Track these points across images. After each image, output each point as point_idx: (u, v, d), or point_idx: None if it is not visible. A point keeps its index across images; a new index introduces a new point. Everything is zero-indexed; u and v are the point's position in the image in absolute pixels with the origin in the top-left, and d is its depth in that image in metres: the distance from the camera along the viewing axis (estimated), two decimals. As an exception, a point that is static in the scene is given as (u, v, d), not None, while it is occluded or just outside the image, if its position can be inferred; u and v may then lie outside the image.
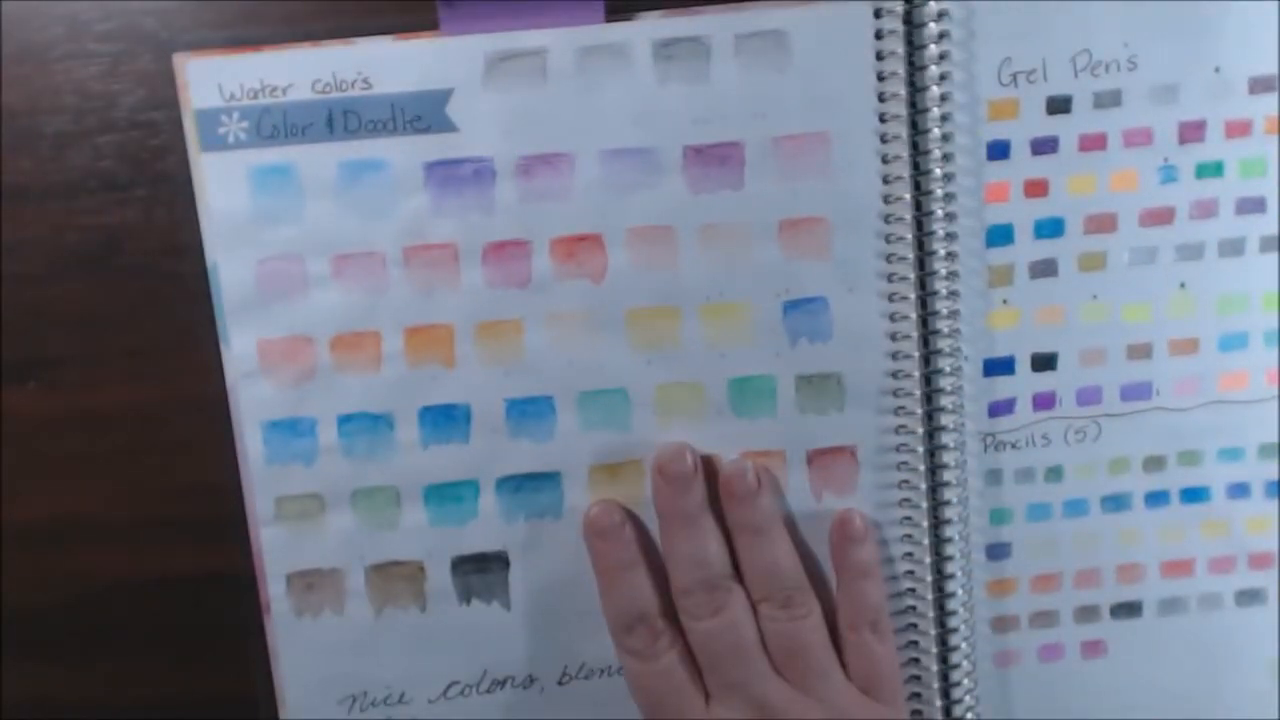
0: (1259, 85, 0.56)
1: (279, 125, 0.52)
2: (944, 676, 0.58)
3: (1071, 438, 0.58)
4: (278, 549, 0.55)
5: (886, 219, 0.55)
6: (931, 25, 0.53)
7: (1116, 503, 0.58)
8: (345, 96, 0.52)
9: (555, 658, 0.57)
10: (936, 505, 0.57)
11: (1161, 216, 0.56)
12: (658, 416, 0.55)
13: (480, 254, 0.54)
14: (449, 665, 0.57)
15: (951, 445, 0.56)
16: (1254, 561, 0.59)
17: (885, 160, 0.54)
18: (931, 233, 0.55)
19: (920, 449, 0.56)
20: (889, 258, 0.55)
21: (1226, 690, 0.60)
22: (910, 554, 0.57)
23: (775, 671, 0.54)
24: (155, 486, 0.56)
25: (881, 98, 0.54)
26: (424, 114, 0.53)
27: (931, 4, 0.53)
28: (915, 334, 0.55)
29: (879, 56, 0.53)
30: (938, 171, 0.54)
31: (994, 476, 0.58)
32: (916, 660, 0.58)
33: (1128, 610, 0.59)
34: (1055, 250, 0.56)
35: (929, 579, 0.57)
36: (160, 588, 0.57)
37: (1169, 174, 0.56)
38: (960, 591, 0.57)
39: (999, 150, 0.55)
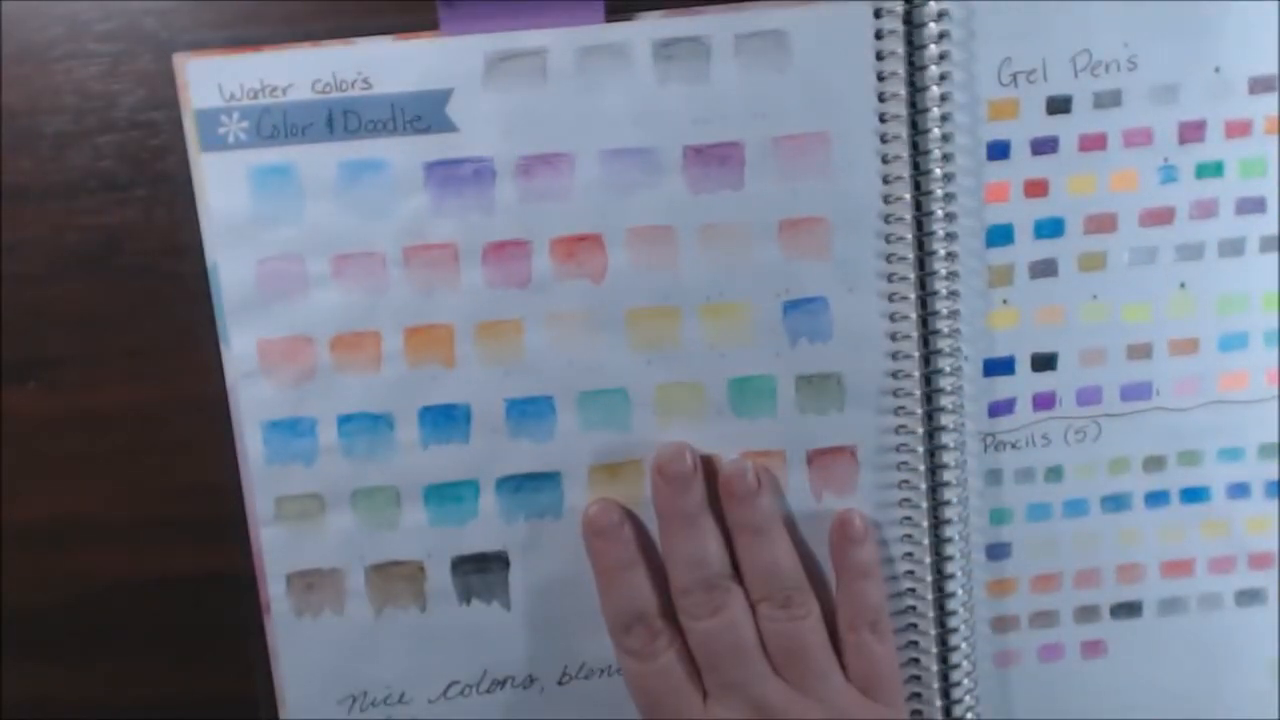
0: (1259, 85, 0.56)
1: (279, 125, 0.52)
2: (944, 676, 0.58)
3: (1071, 438, 0.58)
4: (278, 549, 0.55)
5: (886, 219, 0.55)
6: (931, 25, 0.53)
7: (1116, 503, 0.58)
8: (345, 96, 0.52)
9: (555, 658, 0.57)
10: (936, 505, 0.57)
11: (1161, 216, 0.56)
12: (658, 416, 0.55)
13: (480, 254, 0.54)
14: (449, 665, 0.57)
15: (951, 445, 0.56)
16: (1254, 561, 0.59)
17: (885, 160, 0.54)
18: (931, 233, 0.55)
19: (920, 449, 0.56)
20: (889, 258, 0.55)
21: (1226, 690, 0.60)
22: (910, 554, 0.57)
23: (774, 672, 0.54)
24: (155, 486, 0.56)
25: (881, 98, 0.54)
26: (424, 114, 0.53)
27: (931, 4, 0.53)
28: (915, 334, 0.55)
29: (879, 56, 0.53)
30: (938, 171, 0.54)
31: (994, 476, 0.58)
32: (916, 660, 0.58)
33: (1128, 610, 0.59)
34: (1055, 250, 0.56)
35: (929, 579, 0.57)
36: (160, 588, 0.57)
37: (1169, 174, 0.56)
38: (960, 591, 0.57)
39: (999, 150, 0.55)
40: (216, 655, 0.57)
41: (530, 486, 0.55)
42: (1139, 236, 0.56)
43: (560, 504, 0.56)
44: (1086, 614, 0.59)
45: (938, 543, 0.57)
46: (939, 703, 0.58)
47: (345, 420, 0.54)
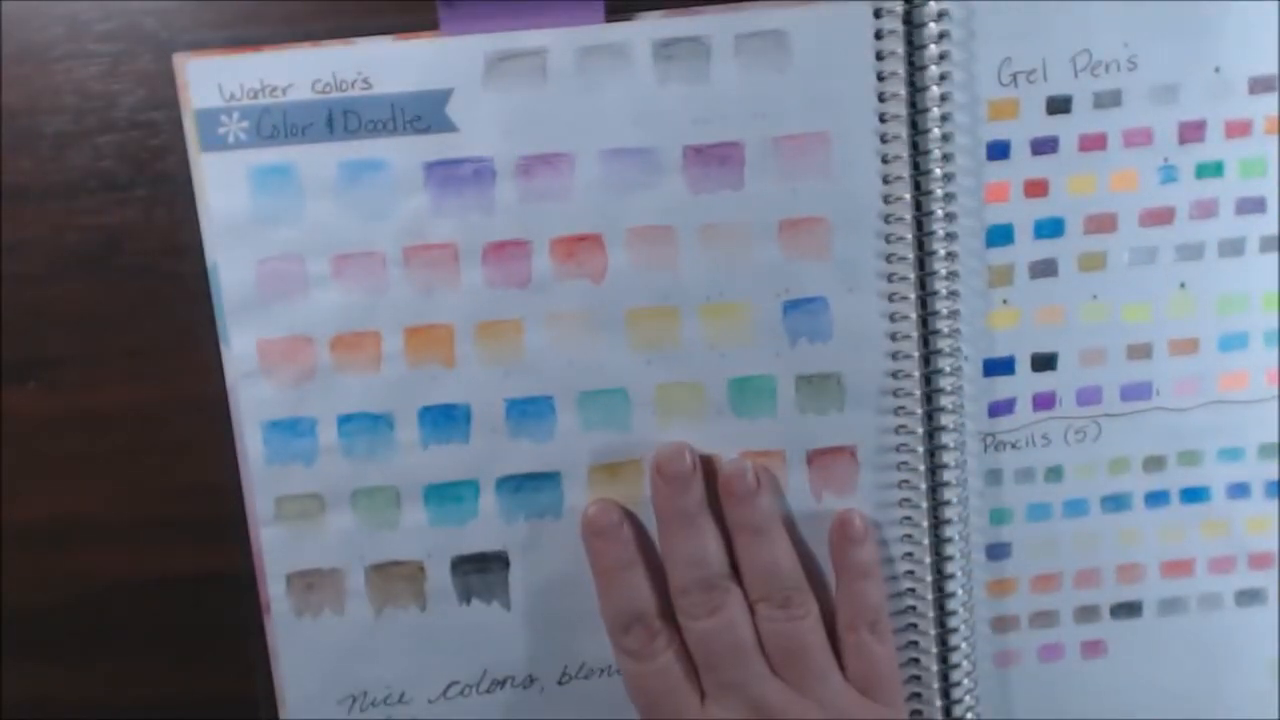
0: (1259, 85, 0.56)
1: (279, 125, 0.52)
2: (944, 676, 0.58)
3: (1071, 438, 0.58)
4: (278, 549, 0.55)
5: (886, 219, 0.55)
6: (931, 25, 0.53)
7: (1116, 503, 0.58)
8: (345, 96, 0.52)
9: (555, 657, 0.57)
10: (936, 505, 0.57)
11: (1161, 216, 0.56)
12: (658, 416, 0.55)
13: (480, 254, 0.54)
14: (449, 665, 0.57)
15: (951, 445, 0.56)
16: (1254, 561, 0.59)
17: (885, 160, 0.54)
18: (931, 233, 0.55)
19: (920, 449, 0.56)
20: (889, 258, 0.55)
21: (1226, 690, 0.60)
22: (910, 554, 0.57)
23: (772, 672, 0.54)
24: (155, 486, 0.56)
25: (881, 98, 0.54)
26: (424, 114, 0.53)
27: (931, 4, 0.53)
28: (915, 334, 0.55)
29: (879, 56, 0.53)
30: (938, 171, 0.54)
31: (994, 476, 0.58)
32: (916, 660, 0.58)
33: (1128, 610, 0.59)
34: (1055, 250, 0.56)
35: (929, 579, 0.57)
36: (160, 588, 0.57)
37: (1169, 174, 0.56)
38: (960, 591, 0.57)
39: (999, 150, 0.55)
40: (216, 655, 0.57)
41: (530, 486, 0.55)
42: (1139, 236, 0.56)
43: (560, 504, 0.56)
44: (1086, 614, 0.59)
45: (938, 543, 0.57)
46: (939, 703, 0.58)
47: (345, 420, 0.54)
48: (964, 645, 0.58)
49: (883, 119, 0.54)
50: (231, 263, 0.53)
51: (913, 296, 0.55)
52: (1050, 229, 0.56)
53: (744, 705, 0.53)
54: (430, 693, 0.57)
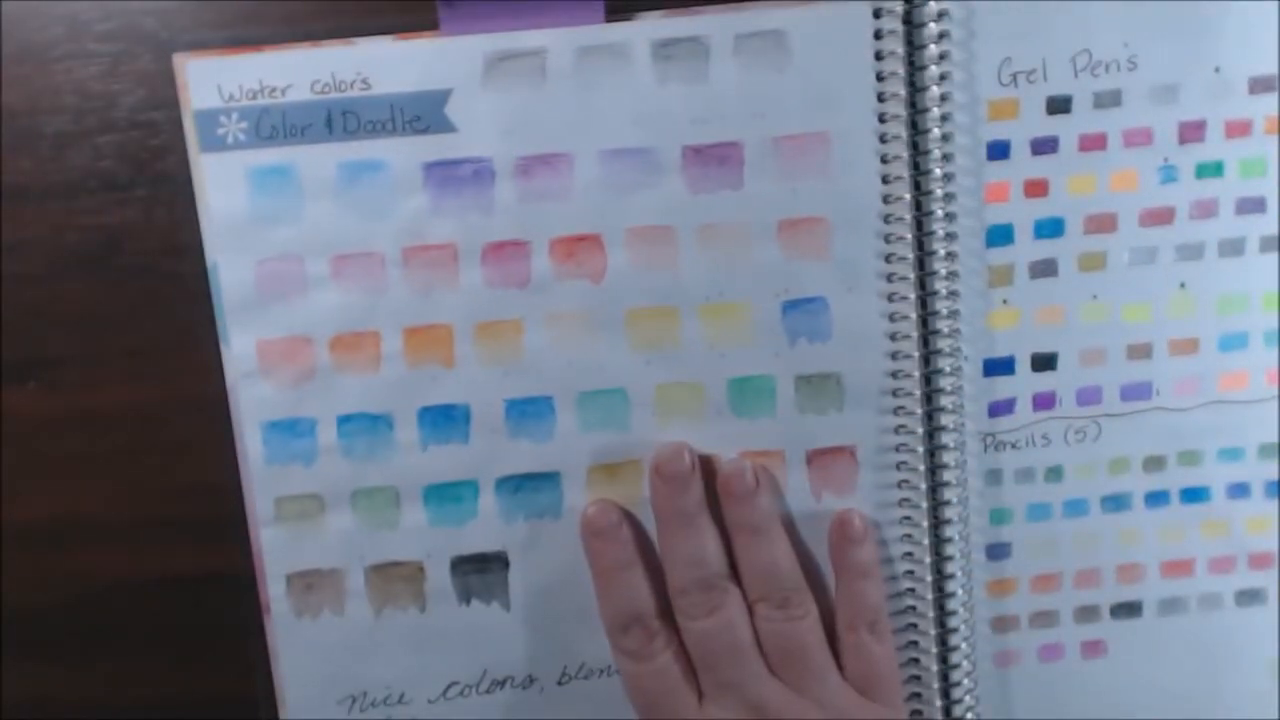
0: (1259, 85, 0.56)
1: (278, 126, 0.52)
2: (944, 676, 0.58)
3: (1071, 438, 0.58)
4: (277, 549, 0.55)
5: (886, 219, 0.55)
6: (931, 25, 0.53)
7: (1116, 503, 0.58)
8: (344, 97, 0.52)
9: (555, 658, 0.57)
10: (936, 505, 0.57)
11: (1161, 216, 0.56)
12: (657, 416, 0.55)
13: (479, 254, 0.54)
14: (449, 665, 0.57)
15: (951, 445, 0.56)
16: (1254, 561, 0.59)
17: (885, 160, 0.54)
18: (931, 233, 0.55)
19: (920, 449, 0.56)
20: (888, 258, 0.55)
21: (1226, 690, 0.60)
22: (910, 554, 0.57)
23: (770, 672, 0.54)
24: (155, 486, 0.56)
25: (881, 98, 0.54)
26: (423, 114, 0.53)
27: (931, 4, 0.53)
28: (915, 334, 0.55)
29: (878, 56, 0.53)
30: (937, 171, 0.54)
31: (994, 476, 0.58)
32: (916, 660, 0.58)
33: (1128, 610, 0.59)
34: (1055, 250, 0.56)
35: (929, 579, 0.57)
36: (160, 588, 0.57)
37: (1169, 174, 0.56)
38: (960, 591, 0.57)
39: (999, 150, 0.55)
40: (216, 655, 0.57)
41: (530, 487, 0.55)
42: (1139, 236, 0.56)
43: (560, 504, 0.56)
44: (1086, 614, 0.59)
45: (938, 543, 0.57)
46: (939, 703, 0.58)
47: (345, 420, 0.54)
48: (964, 645, 0.58)
49: (882, 119, 0.54)
50: (231, 263, 0.53)
51: (912, 296, 0.55)
52: (1050, 229, 0.56)
53: (742, 705, 0.53)
54: (430, 693, 0.57)
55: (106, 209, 0.54)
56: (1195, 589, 0.59)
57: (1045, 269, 0.56)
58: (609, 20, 0.53)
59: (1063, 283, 0.56)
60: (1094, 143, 0.55)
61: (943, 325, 0.55)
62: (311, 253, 0.53)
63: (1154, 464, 0.58)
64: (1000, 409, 0.57)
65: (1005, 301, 0.56)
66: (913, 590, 0.57)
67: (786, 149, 0.54)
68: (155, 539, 0.56)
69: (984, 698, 0.59)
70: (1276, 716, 0.60)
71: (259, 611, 0.56)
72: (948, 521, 0.57)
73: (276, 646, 0.56)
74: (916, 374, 0.55)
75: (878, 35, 0.53)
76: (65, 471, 0.56)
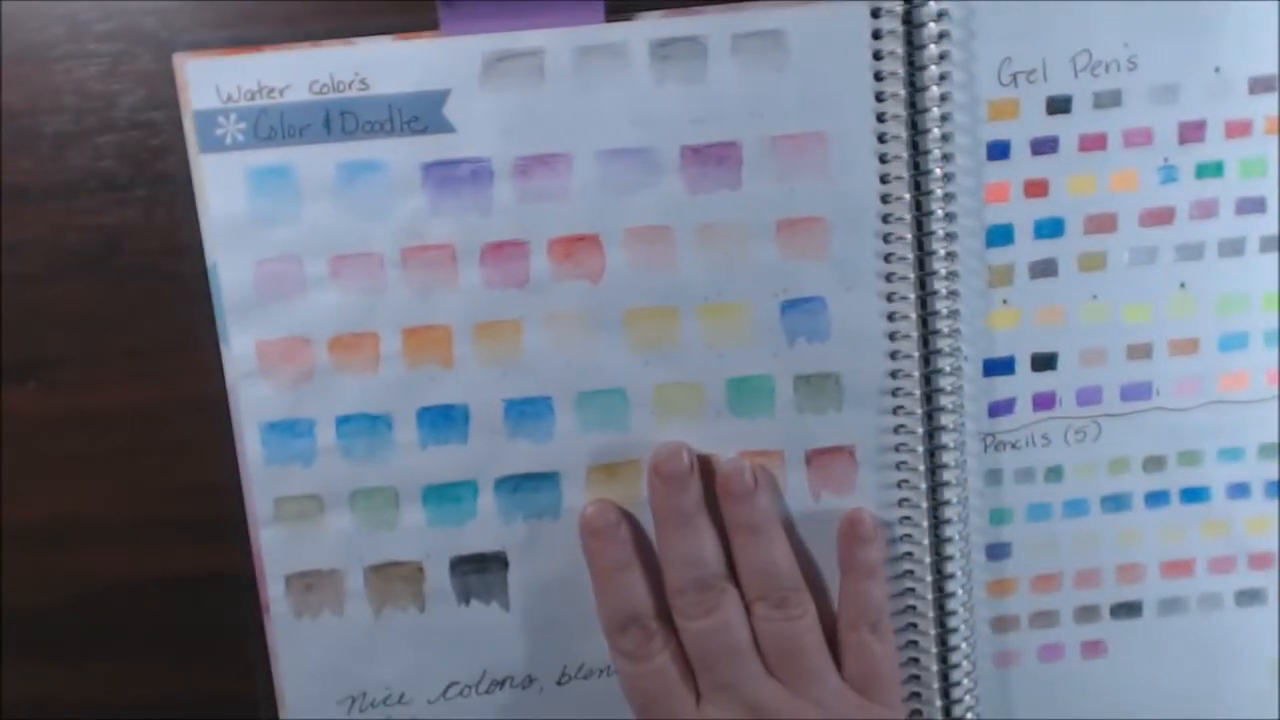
0: (1259, 85, 0.55)
1: (276, 126, 0.52)
2: (944, 676, 0.58)
3: (1071, 438, 0.58)
4: (277, 549, 0.55)
5: (885, 219, 0.55)
6: (931, 25, 0.53)
7: (1116, 503, 0.58)
8: (342, 97, 0.52)
9: (554, 658, 0.57)
10: (936, 505, 0.57)
11: (1161, 216, 0.56)
12: (656, 416, 0.55)
13: (478, 254, 0.54)
14: (448, 665, 0.57)
15: (951, 445, 0.56)
16: (1254, 561, 0.59)
17: (884, 160, 0.54)
18: (931, 233, 0.55)
19: (920, 449, 0.56)
20: (888, 257, 0.55)
21: (1226, 690, 0.60)
22: (910, 554, 0.57)
23: (768, 673, 0.54)
24: (155, 486, 0.56)
25: (880, 97, 0.54)
26: (421, 114, 0.53)
27: (931, 4, 0.53)
28: (915, 334, 0.55)
29: (877, 56, 0.53)
30: (937, 171, 0.54)
31: (994, 476, 0.58)
32: (916, 660, 0.58)
33: (1128, 610, 0.59)
34: (1055, 250, 0.56)
35: (929, 579, 0.57)
36: (160, 588, 0.57)
37: (1169, 174, 0.56)
38: (960, 591, 0.57)
39: (999, 150, 0.55)
40: (216, 655, 0.57)
41: (529, 487, 0.55)
42: (1139, 236, 0.56)
43: (559, 504, 0.56)
44: (1086, 614, 0.59)
45: (938, 543, 0.57)
46: (939, 703, 0.58)
47: (344, 421, 0.55)
48: (964, 645, 0.58)
49: (881, 119, 0.54)
50: (231, 263, 0.53)
51: (912, 296, 0.55)
52: (1050, 229, 0.56)
53: (739, 706, 0.53)
54: (429, 693, 0.57)
55: (106, 209, 0.54)
56: (1195, 589, 0.59)
57: (1045, 269, 0.56)
58: (608, 20, 0.53)
59: (1063, 283, 0.56)
60: (1094, 143, 0.55)
61: (942, 325, 0.55)
62: (310, 253, 0.53)
63: (1154, 464, 0.58)
64: (1000, 409, 0.57)
65: (1005, 301, 0.56)
66: (913, 590, 0.57)
67: (785, 149, 0.54)
68: (155, 539, 0.56)
69: (984, 698, 0.59)
70: (1276, 717, 0.60)
71: (259, 611, 0.56)
72: (948, 521, 0.57)
73: (276, 646, 0.56)
74: (916, 374, 0.55)
75: (876, 35, 0.53)
76: (65, 471, 0.56)
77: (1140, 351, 0.57)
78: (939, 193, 0.55)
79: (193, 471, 0.56)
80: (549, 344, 0.54)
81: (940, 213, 0.55)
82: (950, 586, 0.57)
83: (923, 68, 0.54)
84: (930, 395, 0.56)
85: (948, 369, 0.56)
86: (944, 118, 0.54)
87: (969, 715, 0.58)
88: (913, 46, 0.54)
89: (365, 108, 0.52)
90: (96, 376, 0.55)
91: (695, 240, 0.54)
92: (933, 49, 0.54)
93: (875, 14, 0.53)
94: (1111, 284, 0.57)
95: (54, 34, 0.53)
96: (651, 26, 0.53)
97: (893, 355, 0.55)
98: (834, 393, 0.56)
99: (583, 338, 0.54)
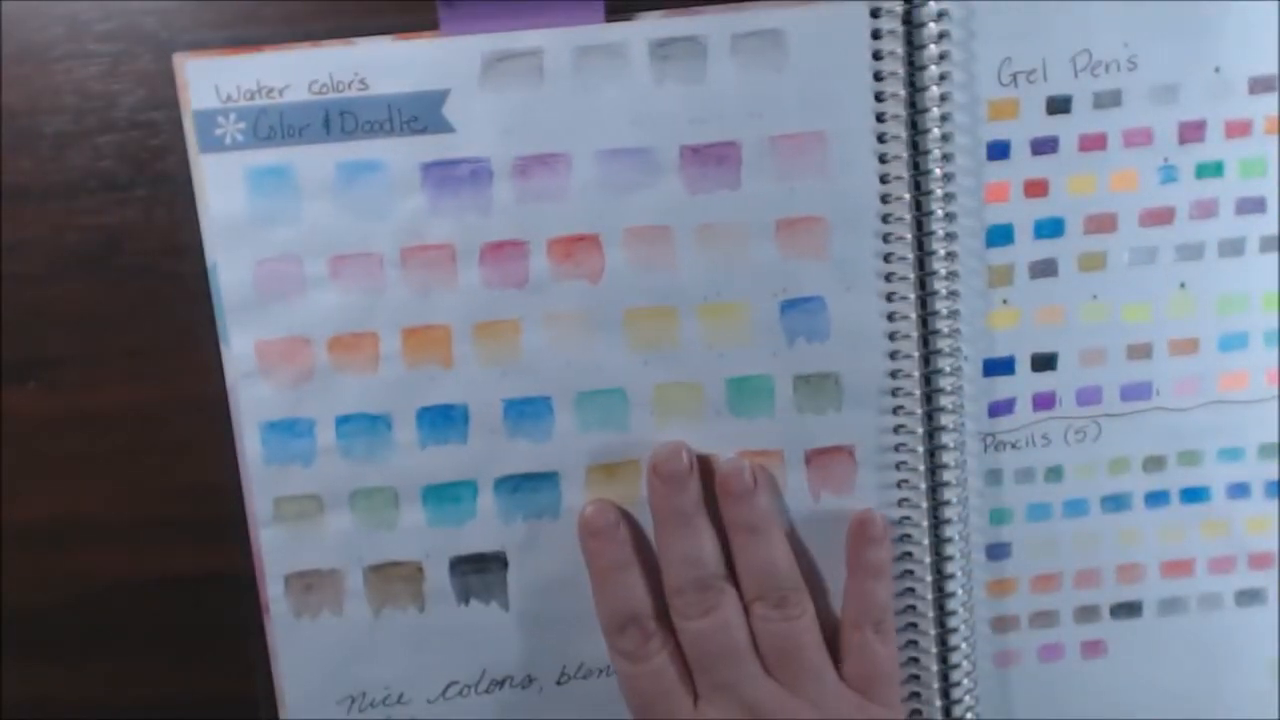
0: (1259, 85, 0.55)
1: (276, 126, 0.52)
2: (944, 676, 0.58)
3: (1071, 438, 0.58)
4: (277, 549, 0.55)
5: (885, 219, 0.54)
6: (931, 25, 0.53)
7: (1116, 503, 0.58)
8: (342, 97, 0.52)
9: (554, 658, 0.57)
10: (936, 505, 0.57)
11: (1161, 216, 0.56)
12: (656, 416, 0.55)
13: (478, 254, 0.54)
14: (448, 665, 0.57)
15: (951, 445, 0.56)
16: (1254, 561, 0.59)
17: (883, 160, 0.54)
18: (931, 233, 0.55)
19: (920, 449, 0.56)
20: (887, 257, 0.55)
21: (1226, 690, 0.60)
22: (910, 554, 0.57)
23: (766, 673, 0.54)
24: (155, 486, 0.56)
25: (879, 97, 0.54)
26: (421, 115, 0.53)
27: (931, 4, 0.53)
28: (914, 334, 0.55)
29: (876, 56, 0.53)
30: (937, 171, 0.54)
31: (994, 476, 0.58)
32: (916, 660, 0.58)
33: (1128, 610, 0.59)
34: (1055, 250, 0.56)
35: (929, 579, 0.57)
36: (160, 588, 0.57)
37: (1169, 174, 0.56)
38: (960, 591, 0.57)
39: (999, 150, 0.55)
40: (216, 655, 0.57)
41: (528, 487, 0.55)
42: (1139, 236, 0.56)
43: (558, 504, 0.56)
44: (1086, 614, 0.59)
45: (938, 543, 0.57)
46: (939, 703, 0.58)
47: (343, 421, 0.54)
48: (964, 645, 0.58)
49: (880, 119, 0.54)
50: (231, 263, 0.53)
51: (912, 296, 0.55)
52: (1050, 229, 0.56)
53: (737, 706, 0.53)
54: (429, 693, 0.57)
55: (106, 209, 0.54)
56: (1195, 589, 0.59)
57: (1045, 269, 0.56)
58: (608, 20, 0.53)
59: (1063, 283, 0.56)
60: (1094, 143, 0.55)
61: (942, 325, 0.55)
62: (310, 253, 0.53)
63: (1154, 464, 0.58)
64: (1000, 409, 0.57)
65: (1005, 301, 0.56)
66: (913, 590, 0.57)
67: (784, 148, 0.54)
68: (155, 539, 0.56)
69: (984, 698, 0.59)
70: (1276, 717, 0.60)
71: (259, 611, 0.56)
72: (948, 521, 0.57)
73: (276, 646, 0.56)
74: (916, 374, 0.55)
75: (876, 35, 0.53)
76: (65, 471, 0.56)
77: (1140, 351, 0.57)
78: (939, 193, 0.55)
79: (193, 471, 0.56)
80: (549, 344, 0.54)
81: (940, 213, 0.55)
82: (950, 586, 0.57)
83: (923, 68, 0.54)
84: (930, 395, 0.56)
85: (948, 369, 0.56)
86: (944, 118, 0.54)
87: (969, 715, 0.58)
88: (913, 46, 0.54)
89: (365, 108, 0.52)
90: (96, 376, 0.55)
91: (695, 240, 0.54)
92: (933, 49, 0.54)
93: (875, 14, 0.53)
94: (1111, 284, 0.57)
95: (54, 34, 0.53)
96: (651, 26, 0.53)
97: (893, 355, 0.55)
98: (834, 393, 0.55)
99: (582, 338, 0.54)
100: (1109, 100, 0.55)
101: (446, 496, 0.55)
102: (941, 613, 0.57)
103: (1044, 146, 0.55)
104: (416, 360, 0.54)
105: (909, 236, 0.55)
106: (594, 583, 0.55)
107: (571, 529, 0.55)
